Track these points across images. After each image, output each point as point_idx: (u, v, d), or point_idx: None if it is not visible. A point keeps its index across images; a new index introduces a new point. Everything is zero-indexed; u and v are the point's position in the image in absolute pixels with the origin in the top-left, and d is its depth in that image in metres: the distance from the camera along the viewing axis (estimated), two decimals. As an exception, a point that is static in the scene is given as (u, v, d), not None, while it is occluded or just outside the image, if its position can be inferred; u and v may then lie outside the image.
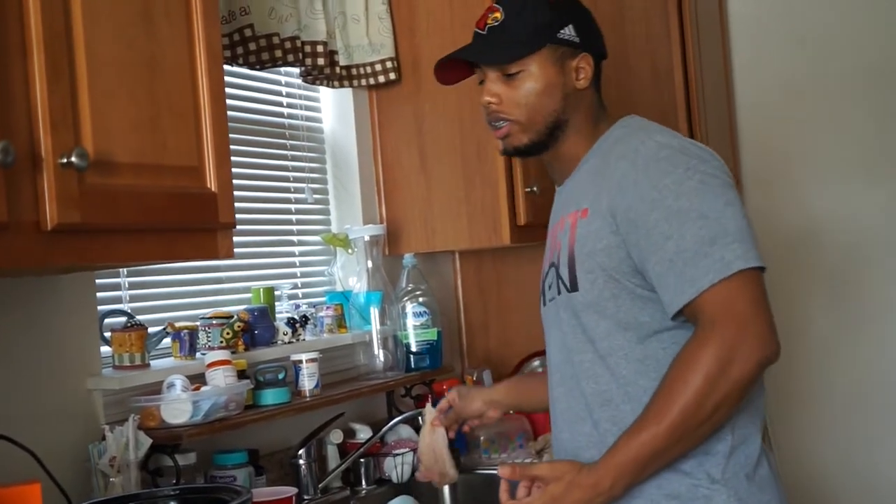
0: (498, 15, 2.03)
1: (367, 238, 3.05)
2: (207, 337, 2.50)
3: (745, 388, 1.75)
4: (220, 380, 2.33)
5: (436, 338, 3.11)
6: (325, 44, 2.89)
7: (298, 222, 3.10)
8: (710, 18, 4.01)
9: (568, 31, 2.02)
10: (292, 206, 3.07)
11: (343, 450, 2.79)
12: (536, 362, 3.59)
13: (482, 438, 3.15)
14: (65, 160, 1.56)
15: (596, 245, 1.90)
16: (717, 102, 3.96)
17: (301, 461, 2.62)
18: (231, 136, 2.04)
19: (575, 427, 1.98)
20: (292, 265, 3.07)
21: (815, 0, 4.20)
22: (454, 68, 2.13)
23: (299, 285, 3.07)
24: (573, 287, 1.95)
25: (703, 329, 1.75)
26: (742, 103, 4.31)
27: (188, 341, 2.43)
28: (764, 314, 1.76)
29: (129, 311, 2.43)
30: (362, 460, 2.81)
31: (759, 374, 1.76)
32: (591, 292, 1.92)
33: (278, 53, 2.72)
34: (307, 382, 2.65)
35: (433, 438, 2.34)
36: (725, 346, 1.72)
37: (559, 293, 2.00)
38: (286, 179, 3.05)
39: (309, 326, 2.84)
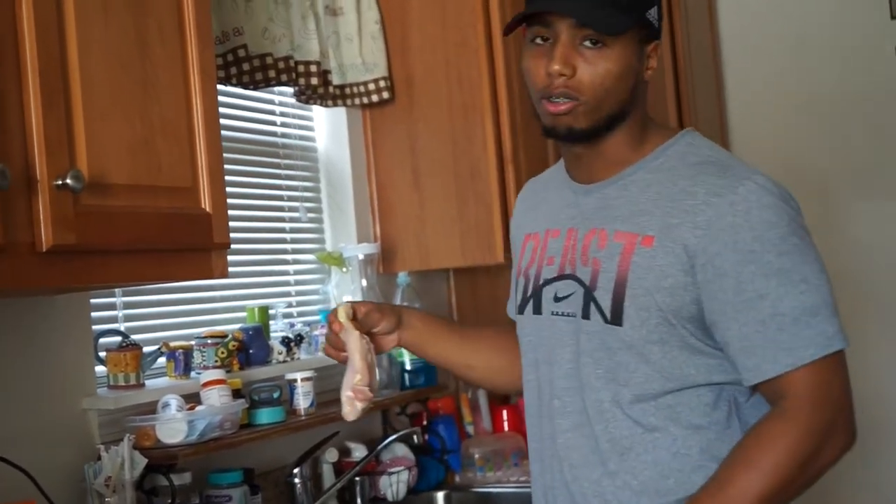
0: None
1: (361, 257, 3.06)
2: (202, 356, 2.50)
3: (824, 471, 1.64)
4: (215, 399, 2.33)
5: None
6: (318, 63, 2.90)
7: (293, 241, 3.10)
8: (701, 25, 4.03)
9: (654, 13, 1.76)
10: (287, 225, 3.08)
11: (338, 468, 2.79)
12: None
13: (477, 456, 3.15)
14: (60, 182, 1.57)
15: (661, 282, 1.67)
16: (709, 109, 3.98)
17: (296, 480, 2.62)
18: (225, 155, 2.05)
19: (581, 471, 1.77)
20: (287, 284, 3.07)
21: (812, 6, 4.21)
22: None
23: (294, 304, 3.07)
24: (615, 320, 1.71)
25: (795, 408, 1.62)
26: (733, 111, 4.33)
27: (183, 361, 2.44)
28: (852, 401, 1.65)
29: (123, 330, 2.43)
30: (357, 479, 2.81)
31: (836, 462, 1.65)
32: (638, 331, 1.69)
33: (272, 73, 2.73)
34: (302, 401, 2.65)
35: (362, 346, 1.87)
36: (820, 433, 1.61)
37: (587, 317, 1.75)
38: (280, 199, 3.06)
39: (304, 345, 2.84)
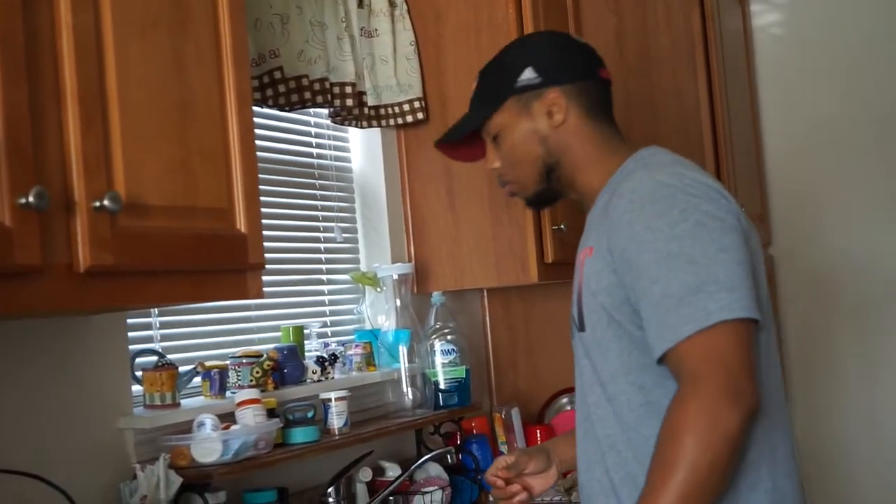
0: (474, 85, 2.09)
1: (395, 276, 3.07)
2: (237, 376, 2.51)
3: (735, 442, 1.67)
4: (250, 419, 2.34)
5: (464, 375, 3.12)
6: (353, 85, 2.92)
7: (328, 261, 3.12)
8: (737, 59, 4.02)
9: (526, 75, 2.00)
10: (321, 246, 3.09)
11: (372, 488, 2.79)
12: (564, 399, 3.60)
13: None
14: (98, 204, 1.58)
15: (599, 285, 1.85)
16: (745, 142, 3.97)
17: (330, 499, 2.63)
18: (261, 176, 2.06)
19: (590, 472, 1.94)
20: (321, 304, 3.09)
21: (843, 39, 4.20)
22: (469, 145, 2.16)
23: (328, 324, 3.08)
24: (581, 326, 1.92)
25: (685, 384, 1.69)
26: (770, 143, 4.32)
27: (218, 380, 2.45)
28: (746, 368, 1.69)
29: (159, 350, 2.45)
30: (391, 498, 2.81)
31: (746, 427, 1.68)
32: (595, 333, 1.88)
33: (307, 95, 2.75)
34: (336, 420, 2.66)
35: None
36: (711, 402, 1.65)
37: (574, 331, 1.97)
38: (315, 219, 3.08)
39: (338, 365, 2.85)
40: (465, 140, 2.15)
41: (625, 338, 1.83)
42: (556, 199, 2.08)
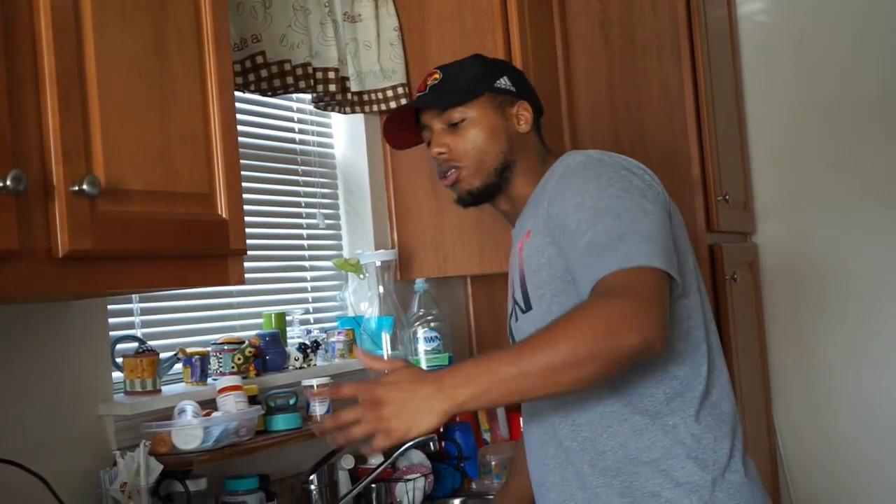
0: (437, 76, 2.18)
1: (378, 263, 3.06)
2: (219, 362, 2.50)
3: (620, 359, 1.68)
4: (231, 405, 2.33)
5: (447, 363, 3.11)
6: (336, 70, 2.90)
7: (310, 248, 3.11)
8: (722, 47, 4.01)
9: (504, 81, 2.17)
10: (304, 232, 3.08)
11: (354, 475, 2.78)
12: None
13: (493, 463, 3.14)
14: (76, 188, 1.57)
15: (539, 260, 1.96)
16: (730, 131, 3.96)
17: (312, 487, 2.62)
18: (243, 162, 2.05)
19: (543, 451, 2.04)
20: (304, 290, 3.08)
21: (828, 28, 4.19)
22: (405, 133, 2.25)
23: (311, 310, 3.07)
24: (527, 306, 2.00)
25: (603, 294, 1.74)
26: (755, 131, 4.31)
27: (199, 367, 2.44)
28: (661, 308, 1.73)
29: (140, 336, 2.44)
30: (374, 486, 2.81)
31: (637, 356, 1.70)
32: (541, 307, 1.96)
33: (290, 80, 2.73)
34: (318, 408, 2.65)
35: None
36: (618, 312, 1.69)
37: (517, 319, 2.05)
38: (298, 205, 3.07)
39: (320, 352, 2.85)
40: (398, 126, 2.24)
41: (570, 304, 1.86)
42: (490, 198, 2.16)
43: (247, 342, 2.59)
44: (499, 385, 1.67)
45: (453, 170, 2.13)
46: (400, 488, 2.83)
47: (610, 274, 1.76)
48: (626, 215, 1.82)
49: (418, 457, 2.96)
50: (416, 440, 2.88)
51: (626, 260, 1.76)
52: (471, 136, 2.12)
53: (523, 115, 2.16)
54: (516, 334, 2.07)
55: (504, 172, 2.13)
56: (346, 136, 3.25)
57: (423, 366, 3.07)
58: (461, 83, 2.15)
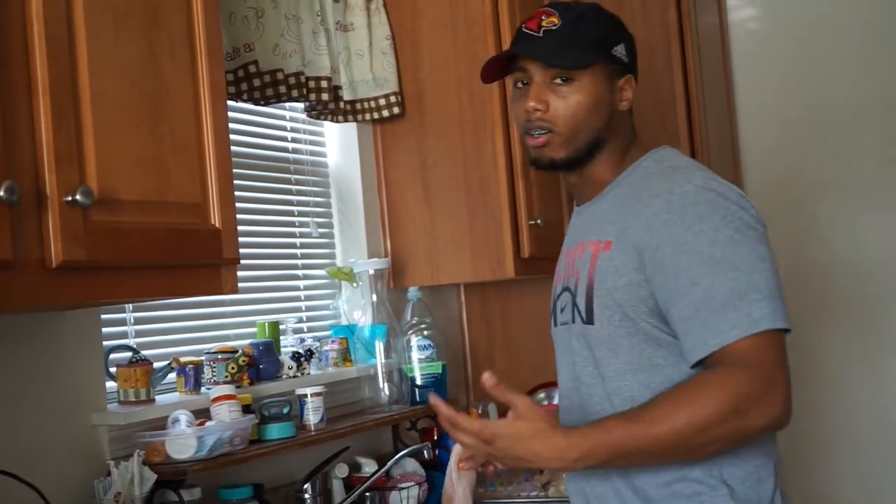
0: (555, 20, 1.94)
1: (371, 272, 3.06)
2: (212, 372, 2.50)
3: (747, 437, 1.72)
4: (225, 415, 2.33)
5: (441, 371, 3.11)
6: (329, 79, 2.90)
7: (303, 256, 3.11)
8: (713, 53, 4.02)
9: (620, 50, 1.97)
10: (297, 241, 3.08)
11: (348, 484, 2.78)
12: (542, 394, 3.59)
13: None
14: (70, 198, 1.57)
15: (617, 281, 1.85)
16: (721, 136, 3.97)
17: (306, 496, 2.62)
18: (236, 171, 2.05)
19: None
20: (297, 299, 3.08)
21: (818, 35, 4.21)
22: (490, 66, 2.03)
23: (304, 319, 3.07)
24: (589, 320, 1.90)
25: (736, 367, 1.70)
26: (746, 137, 4.32)
27: (193, 376, 2.44)
28: (787, 380, 1.72)
29: (134, 346, 2.43)
30: (368, 494, 2.80)
31: (764, 433, 1.75)
32: (606, 328, 1.87)
33: (283, 89, 2.73)
34: (312, 416, 2.65)
35: (461, 485, 2.23)
36: (752, 391, 1.68)
37: (573, 321, 1.95)
38: (291, 214, 3.07)
39: (314, 360, 2.84)
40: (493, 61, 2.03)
41: (637, 335, 1.84)
42: (568, 169, 1.99)
43: (240, 351, 2.58)
44: (619, 458, 1.71)
45: (545, 132, 1.93)
46: (394, 497, 2.83)
47: (734, 344, 1.70)
48: (744, 266, 1.74)
49: (412, 465, 2.95)
50: (411, 449, 2.88)
51: (750, 325, 1.71)
52: (574, 101, 1.92)
53: (626, 92, 1.99)
54: (573, 339, 1.96)
55: (593, 150, 1.95)
56: (338, 145, 3.25)
57: (417, 374, 3.07)
58: (583, 39, 1.92)
